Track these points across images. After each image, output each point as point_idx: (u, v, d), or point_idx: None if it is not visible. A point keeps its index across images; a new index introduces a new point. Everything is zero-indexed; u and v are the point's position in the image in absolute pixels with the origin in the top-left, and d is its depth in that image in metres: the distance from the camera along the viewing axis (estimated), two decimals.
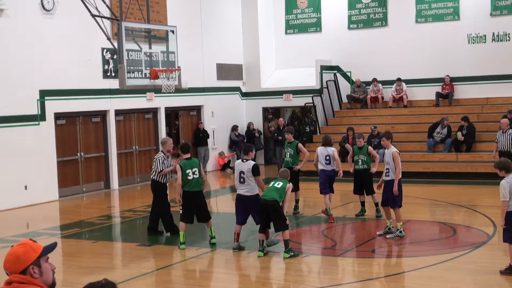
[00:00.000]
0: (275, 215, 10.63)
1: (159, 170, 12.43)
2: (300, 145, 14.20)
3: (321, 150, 13.59)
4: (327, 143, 13.52)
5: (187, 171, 11.34)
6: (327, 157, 13.42)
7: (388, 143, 11.80)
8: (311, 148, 21.90)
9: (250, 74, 25.73)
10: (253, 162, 11.13)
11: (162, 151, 12.70)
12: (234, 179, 11.37)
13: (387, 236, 11.79)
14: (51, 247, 3.58)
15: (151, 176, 12.73)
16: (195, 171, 11.32)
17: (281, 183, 10.79)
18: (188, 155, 11.60)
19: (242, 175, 10.95)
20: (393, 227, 11.87)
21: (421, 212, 14.38)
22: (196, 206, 11.48)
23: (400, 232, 11.68)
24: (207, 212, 11.70)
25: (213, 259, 10.96)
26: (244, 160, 11.19)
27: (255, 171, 10.89)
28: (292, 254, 10.60)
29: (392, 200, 11.67)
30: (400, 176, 11.58)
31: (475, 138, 19.90)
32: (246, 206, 10.97)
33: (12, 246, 3.54)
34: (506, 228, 9.09)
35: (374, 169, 13.75)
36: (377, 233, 12.09)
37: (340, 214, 14.35)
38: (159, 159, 12.49)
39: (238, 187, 11.08)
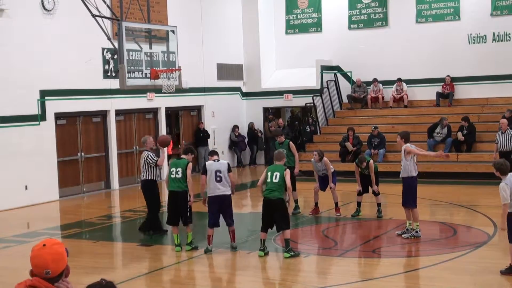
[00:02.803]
0: (279, 214, 10.61)
1: (155, 160, 12.43)
2: (291, 143, 14.19)
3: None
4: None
5: (171, 170, 11.38)
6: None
7: (401, 141, 11.77)
8: (311, 148, 21.93)
9: (250, 74, 25.73)
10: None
11: (146, 150, 12.68)
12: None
13: (403, 236, 11.79)
14: (67, 253, 3.64)
15: (142, 177, 12.70)
16: (178, 171, 11.29)
17: (277, 174, 10.60)
18: (184, 156, 11.56)
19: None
20: (411, 228, 11.84)
21: (421, 212, 14.31)
22: (177, 206, 11.42)
23: (416, 232, 11.67)
24: (187, 215, 11.42)
25: (213, 259, 10.95)
26: None
27: None
28: (292, 254, 10.58)
29: (403, 199, 11.71)
30: (409, 172, 11.54)
31: (476, 138, 19.89)
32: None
33: (44, 245, 3.47)
34: (510, 229, 9.05)
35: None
36: (396, 232, 12.09)
37: (341, 214, 14.32)
38: (150, 155, 12.48)
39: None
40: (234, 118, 25.05)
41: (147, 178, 12.61)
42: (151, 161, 12.45)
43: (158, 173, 12.80)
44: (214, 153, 11.42)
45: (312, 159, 14.18)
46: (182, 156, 11.61)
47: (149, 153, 12.57)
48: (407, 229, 11.83)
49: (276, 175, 10.61)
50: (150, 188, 12.70)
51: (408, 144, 11.58)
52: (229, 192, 11.04)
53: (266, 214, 10.75)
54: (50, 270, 3.40)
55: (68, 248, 3.68)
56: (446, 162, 19.92)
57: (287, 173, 10.64)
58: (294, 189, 14.15)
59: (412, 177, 11.63)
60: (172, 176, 11.33)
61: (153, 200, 12.78)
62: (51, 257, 3.41)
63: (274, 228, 10.86)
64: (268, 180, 10.67)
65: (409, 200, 11.68)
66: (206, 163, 11.31)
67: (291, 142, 14.23)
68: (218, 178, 10.92)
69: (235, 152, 24.93)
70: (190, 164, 11.41)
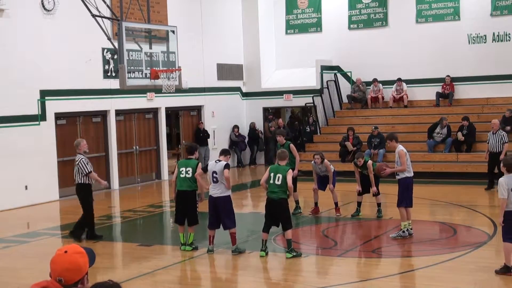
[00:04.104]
0: (282, 215, 10.62)
1: (88, 171, 12.22)
2: (292, 145, 14.21)
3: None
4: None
5: (181, 169, 11.36)
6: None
7: (393, 143, 11.84)
8: (311, 148, 21.96)
9: (250, 74, 25.73)
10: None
11: (79, 153, 12.43)
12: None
13: (390, 236, 11.80)
14: (94, 258, 3.58)
15: (76, 181, 12.44)
16: (189, 170, 11.28)
17: (280, 176, 10.58)
18: (191, 156, 11.59)
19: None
20: (408, 228, 11.83)
21: (421, 212, 14.37)
22: (185, 206, 11.43)
23: (403, 232, 11.68)
24: (194, 216, 11.43)
25: (214, 259, 10.96)
26: None
27: None
28: (295, 254, 10.58)
29: (397, 199, 11.72)
30: (405, 172, 11.57)
31: (476, 138, 19.89)
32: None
33: (66, 251, 3.40)
34: (505, 227, 9.10)
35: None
36: (390, 236, 12.07)
37: (341, 214, 14.33)
38: (82, 161, 12.25)
39: None
40: (234, 118, 25.06)
41: (81, 182, 12.37)
42: (83, 169, 12.23)
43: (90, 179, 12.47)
44: (222, 152, 11.27)
45: (313, 162, 14.21)
46: (189, 156, 11.56)
47: (82, 158, 12.33)
48: (407, 229, 11.83)
49: (278, 177, 10.60)
50: (85, 192, 12.45)
51: (401, 148, 11.61)
52: (224, 194, 10.93)
53: (269, 214, 10.77)
54: (62, 278, 3.36)
55: None
56: (446, 162, 19.95)
57: (290, 173, 10.64)
58: (294, 189, 14.18)
59: (408, 178, 11.65)
60: (182, 175, 11.30)
61: (87, 205, 12.52)
62: (66, 266, 3.35)
63: (274, 228, 10.87)
64: (271, 181, 10.68)
65: (405, 200, 11.68)
66: (209, 162, 11.35)
67: (291, 144, 14.25)
68: (214, 179, 10.92)
69: (235, 152, 24.92)
70: (200, 164, 11.46)
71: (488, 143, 16.96)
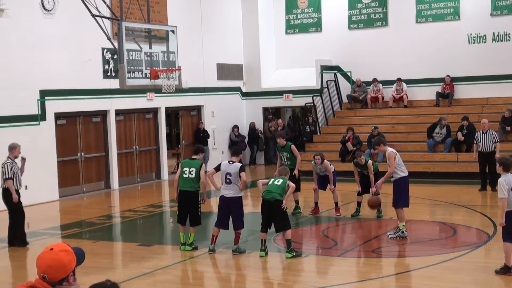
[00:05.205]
0: (277, 215, 10.64)
1: (7, 177, 11.94)
2: (293, 146, 14.30)
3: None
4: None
5: (184, 169, 11.37)
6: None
7: (382, 147, 11.90)
8: (311, 148, 21.95)
9: (250, 74, 25.72)
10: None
11: (9, 157, 12.13)
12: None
13: (389, 236, 11.79)
14: (83, 257, 3.56)
15: (2, 185, 12.19)
16: (192, 171, 11.30)
17: (280, 181, 10.81)
18: (195, 156, 11.59)
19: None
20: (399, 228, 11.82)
21: (421, 212, 14.38)
22: (187, 206, 11.44)
23: (402, 232, 11.67)
24: (196, 216, 11.44)
25: (214, 259, 10.96)
26: None
27: None
28: (294, 254, 10.60)
29: (393, 200, 11.72)
30: (399, 172, 11.57)
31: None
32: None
33: (52, 249, 3.41)
34: (505, 227, 9.11)
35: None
36: (388, 234, 12.03)
37: (341, 214, 14.33)
38: (7, 165, 11.97)
39: None
40: (234, 118, 25.05)
41: (6, 187, 12.11)
42: (5, 173, 11.96)
43: (19, 183, 12.19)
44: (233, 153, 11.36)
45: (313, 162, 14.27)
46: (194, 156, 11.59)
47: (8, 162, 12.02)
48: (402, 232, 11.78)
49: (279, 180, 10.83)
50: (12, 198, 12.13)
51: (390, 150, 11.61)
52: (237, 195, 11.02)
53: (264, 215, 10.82)
54: (46, 275, 3.37)
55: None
56: (446, 162, 19.95)
57: (291, 184, 10.86)
58: (298, 189, 14.20)
59: (402, 178, 11.63)
60: (185, 175, 11.31)
61: (17, 210, 12.28)
62: (50, 263, 3.37)
63: (273, 228, 10.89)
64: (270, 182, 10.81)
65: (401, 200, 11.66)
66: (222, 162, 11.37)
67: (292, 145, 14.31)
68: (228, 180, 11.00)
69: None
70: (204, 165, 11.53)
71: (476, 143, 17.01)
